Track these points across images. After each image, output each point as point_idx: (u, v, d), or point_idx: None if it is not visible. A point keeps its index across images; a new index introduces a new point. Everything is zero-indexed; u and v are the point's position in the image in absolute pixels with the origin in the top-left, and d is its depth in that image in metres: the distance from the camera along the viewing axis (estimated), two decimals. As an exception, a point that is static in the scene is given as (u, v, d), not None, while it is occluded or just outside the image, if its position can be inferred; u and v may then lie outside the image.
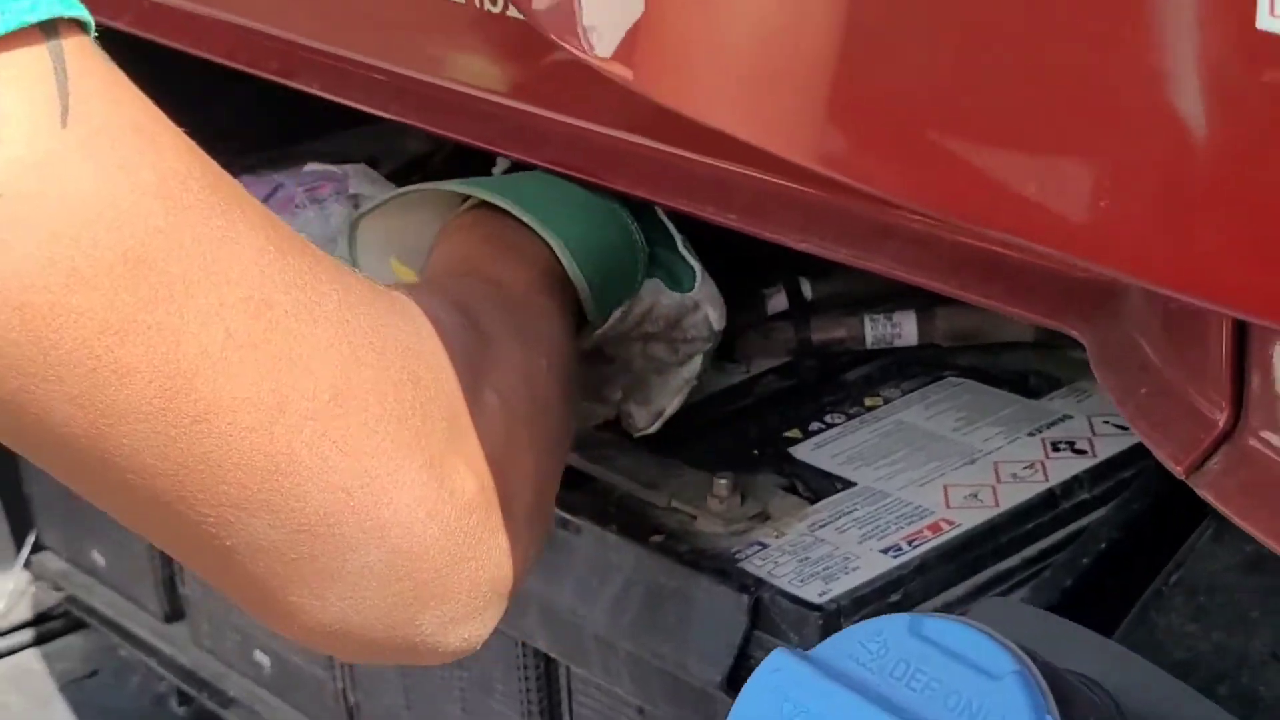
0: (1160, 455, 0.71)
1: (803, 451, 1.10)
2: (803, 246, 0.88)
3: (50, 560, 1.58)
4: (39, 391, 0.63)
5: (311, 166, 1.16)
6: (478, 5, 0.95)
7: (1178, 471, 0.70)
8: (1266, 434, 0.67)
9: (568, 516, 1.05)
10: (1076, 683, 0.66)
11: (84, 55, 0.63)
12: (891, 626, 0.64)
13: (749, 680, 0.64)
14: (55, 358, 0.62)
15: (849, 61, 0.57)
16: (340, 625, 0.71)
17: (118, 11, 1.22)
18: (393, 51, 1.05)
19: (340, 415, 0.68)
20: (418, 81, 1.04)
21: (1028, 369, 1.17)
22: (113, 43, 0.65)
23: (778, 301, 1.20)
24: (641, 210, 1.04)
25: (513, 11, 0.93)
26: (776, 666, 0.63)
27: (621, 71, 0.68)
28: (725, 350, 1.19)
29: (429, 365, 0.74)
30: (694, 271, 1.05)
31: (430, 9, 1.00)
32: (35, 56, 0.61)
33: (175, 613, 1.45)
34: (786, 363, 1.20)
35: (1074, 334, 0.80)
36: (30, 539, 1.59)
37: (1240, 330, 0.67)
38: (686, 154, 0.90)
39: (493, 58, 0.99)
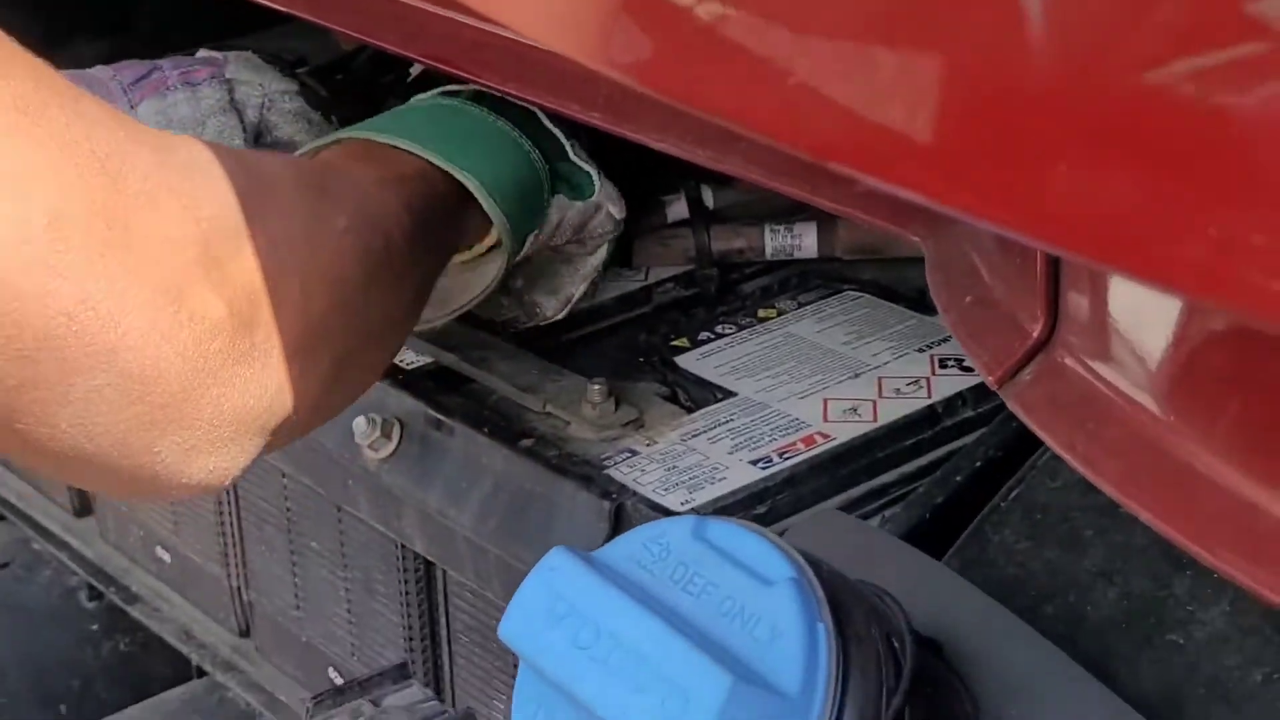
0: (976, 365, 0.69)
1: (688, 361, 1.09)
2: (661, 146, 0.86)
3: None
4: None
5: (201, 53, 1.14)
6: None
7: (990, 382, 0.68)
8: (1076, 348, 0.65)
9: (441, 418, 1.03)
10: (869, 594, 0.64)
11: None
12: (675, 529, 0.62)
13: (527, 577, 0.63)
14: None
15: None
16: (74, 451, 0.70)
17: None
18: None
19: (59, 239, 0.66)
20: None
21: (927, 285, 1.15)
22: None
23: (679, 209, 1.19)
24: (528, 123, 1.03)
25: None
26: (554, 565, 0.62)
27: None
28: (624, 257, 1.17)
29: (178, 193, 0.72)
30: (591, 176, 1.05)
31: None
32: None
33: (85, 508, 1.44)
34: (685, 271, 1.18)
35: (917, 241, 0.78)
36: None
37: (1058, 240, 0.65)
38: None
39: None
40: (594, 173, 1.05)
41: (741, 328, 1.12)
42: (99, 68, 1.08)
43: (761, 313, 1.13)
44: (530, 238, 1.02)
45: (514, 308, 1.11)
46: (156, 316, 0.70)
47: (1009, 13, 0.42)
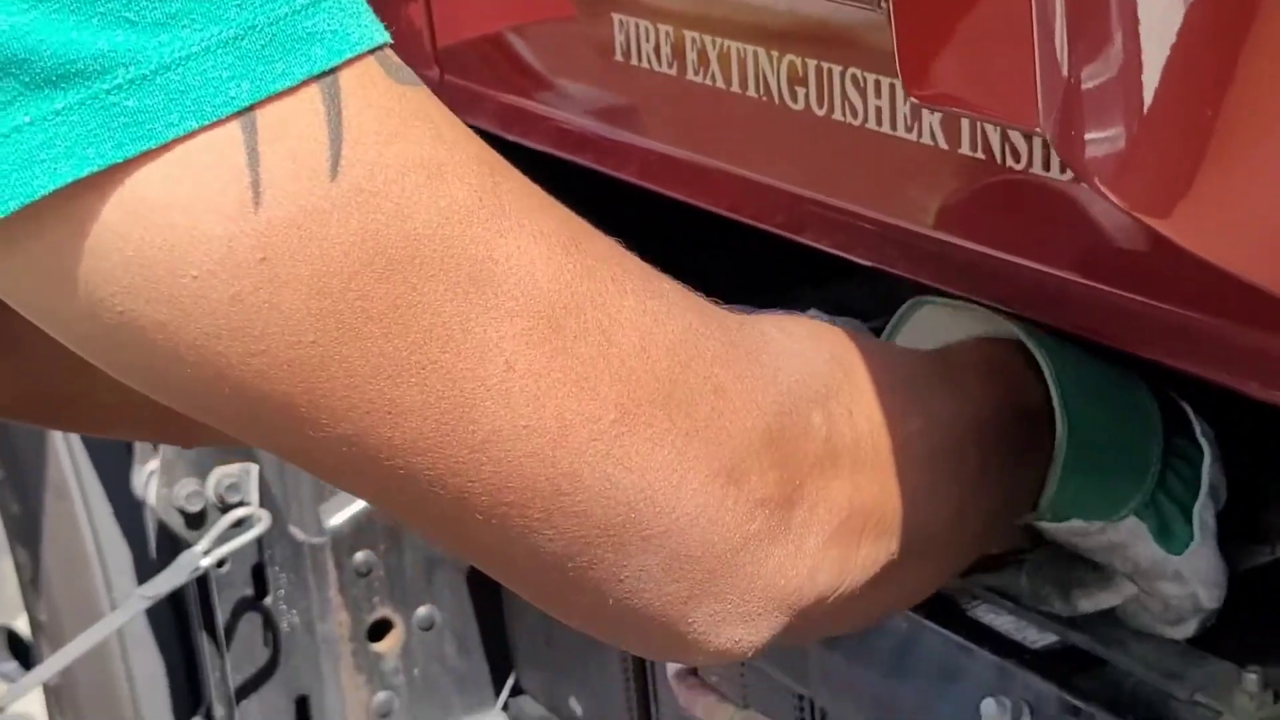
0: None
1: (1342, 646, 1.00)
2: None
3: (528, 705, 1.58)
4: (315, 436, 0.63)
5: (811, 312, 1.13)
6: (998, 162, 0.91)
7: None
8: None
9: (1078, 703, 0.97)
10: None
11: (366, 89, 0.60)
12: None
13: None
14: (327, 405, 0.62)
15: None
16: (616, 620, 0.73)
17: (622, 162, 1.22)
18: (892, 204, 1.01)
19: (625, 434, 0.67)
20: (917, 235, 0.99)
21: None
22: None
23: (1311, 476, 1.11)
24: (1180, 455, 0.94)
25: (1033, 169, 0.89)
26: None
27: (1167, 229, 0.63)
28: (1251, 528, 1.10)
29: (744, 377, 0.73)
30: (1191, 537, 0.93)
31: (942, 165, 0.95)
32: (308, 104, 0.59)
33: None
34: (1320, 543, 1.10)
35: None
36: (509, 682, 1.60)
37: None
38: (1225, 322, 0.83)
39: (1004, 214, 0.94)
40: (1198, 538, 0.93)
41: (1396, 609, 1.03)
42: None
43: None
44: (1076, 522, 0.91)
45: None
46: (705, 501, 0.71)
47: None
